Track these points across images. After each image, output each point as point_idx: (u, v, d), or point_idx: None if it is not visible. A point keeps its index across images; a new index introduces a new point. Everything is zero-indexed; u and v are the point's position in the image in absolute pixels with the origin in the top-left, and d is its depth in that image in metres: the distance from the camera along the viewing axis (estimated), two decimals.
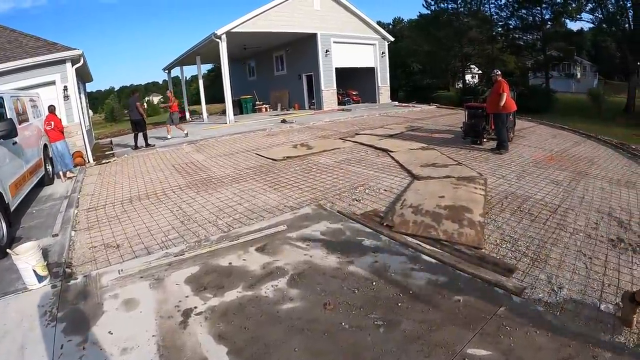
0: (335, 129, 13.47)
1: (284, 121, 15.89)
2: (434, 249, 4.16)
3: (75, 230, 5.46)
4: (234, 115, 18.34)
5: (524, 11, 37.85)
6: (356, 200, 5.99)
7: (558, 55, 40.20)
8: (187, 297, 3.33)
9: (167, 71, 26.62)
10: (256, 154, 9.80)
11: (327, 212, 5.34)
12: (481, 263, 3.86)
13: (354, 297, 3.19)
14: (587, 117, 26.96)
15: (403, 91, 41.69)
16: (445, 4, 42.86)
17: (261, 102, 23.30)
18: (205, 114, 20.81)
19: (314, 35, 19.99)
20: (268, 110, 22.61)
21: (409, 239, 4.44)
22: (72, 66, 10.72)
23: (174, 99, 14.10)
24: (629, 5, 30.73)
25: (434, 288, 3.33)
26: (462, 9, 42.19)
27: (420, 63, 45.16)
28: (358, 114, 17.73)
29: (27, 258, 3.63)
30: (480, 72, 47.40)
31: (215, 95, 40.15)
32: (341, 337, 2.72)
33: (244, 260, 3.93)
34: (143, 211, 6.08)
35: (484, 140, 9.96)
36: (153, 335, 2.83)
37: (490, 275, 3.57)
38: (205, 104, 21.25)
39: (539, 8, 36.40)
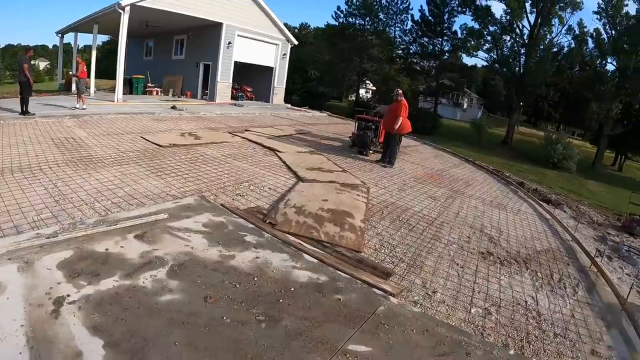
0: (225, 123, 13.16)
1: (174, 107, 15.09)
2: (315, 249, 4.30)
3: None
4: (124, 94, 16.92)
5: (426, 39, 41.03)
6: (240, 195, 5.95)
7: (450, 84, 43.99)
8: (59, 283, 2.99)
9: (60, 35, 23.62)
10: (142, 137, 9.15)
11: (209, 204, 5.20)
12: (360, 265, 4.10)
13: (236, 291, 3.16)
14: (468, 143, 29.95)
15: (298, 95, 42.45)
16: (354, 19, 44.74)
17: (153, 85, 21.75)
18: (92, 89, 18.86)
19: (220, 25, 19.28)
20: (159, 94, 21.17)
21: (291, 238, 4.53)
22: None
23: (84, 65, 12.90)
24: (522, 51, 34.63)
25: (315, 286, 3.44)
26: (368, 27, 44.29)
27: (319, 71, 46.53)
28: (250, 111, 17.56)
29: None
30: (374, 88, 49.99)
31: (107, 70, 36.65)
32: (223, 332, 2.68)
33: (121, 247, 3.64)
34: (15, 185, 5.31)
35: (370, 151, 10.51)
36: (22, 325, 2.50)
37: (369, 277, 3.80)
38: (95, 78, 19.46)
39: (440, 39, 39.53)
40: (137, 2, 15.45)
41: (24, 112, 10.64)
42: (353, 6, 44.34)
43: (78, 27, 21.12)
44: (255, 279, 3.41)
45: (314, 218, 5.25)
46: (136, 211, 4.66)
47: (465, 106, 54.35)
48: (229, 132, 11.16)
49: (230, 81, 20.77)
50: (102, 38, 50.59)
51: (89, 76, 15.67)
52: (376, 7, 43.76)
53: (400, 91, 9.91)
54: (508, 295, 4.08)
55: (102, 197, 5.16)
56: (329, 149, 10.82)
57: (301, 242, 4.43)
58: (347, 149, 11.03)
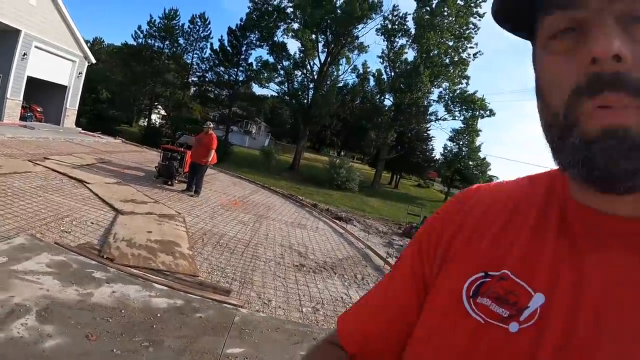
0: (20, 148, 11.68)
1: None
2: (159, 278, 4.81)
3: None
4: None
5: (222, 68, 41.65)
6: (66, 231, 5.89)
7: (241, 113, 45.36)
8: None
9: None
10: None
11: (43, 244, 5.09)
12: (203, 287, 4.78)
13: (111, 325, 3.51)
14: (258, 169, 31.64)
15: (86, 118, 38.51)
16: (153, 41, 42.84)
17: None
18: None
19: (17, 32, 16.24)
20: None
21: (134, 270, 4.92)
22: None
23: None
24: (311, 85, 38.09)
25: (176, 310, 4.01)
26: (167, 50, 43.09)
27: (110, 92, 42.91)
28: (43, 135, 15.68)
29: None
30: (165, 113, 48.48)
31: None
32: None
33: None
34: None
35: (175, 181, 10.92)
36: None
37: (216, 295, 4.53)
38: None
39: (236, 69, 40.71)
40: None
41: None
42: (154, 27, 42.94)
43: None
44: (122, 311, 3.79)
45: (147, 249, 5.68)
46: None
47: (254, 132, 57.49)
48: (29, 160, 10.05)
49: (21, 99, 17.83)
50: None
51: None
52: (178, 31, 43.32)
53: (211, 125, 10.71)
54: (326, 295, 5.38)
55: None
56: (135, 179, 10.85)
57: (145, 273, 4.88)
58: (152, 179, 11.18)
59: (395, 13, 39.27)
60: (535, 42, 0.51)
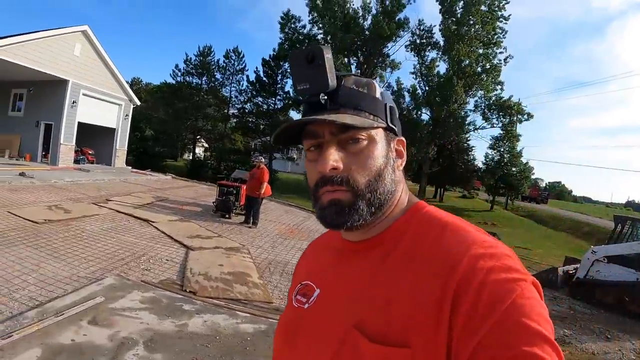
0: (82, 192, 12.55)
1: (23, 174, 13.57)
2: (241, 306, 5.12)
3: None
4: None
5: (260, 99, 42.56)
6: (146, 270, 6.30)
7: None
8: None
9: None
10: (9, 212, 8.45)
11: (131, 282, 5.53)
12: (280, 312, 5.05)
13: (211, 350, 3.82)
14: (304, 195, 31.88)
15: (133, 155, 40.50)
16: (191, 78, 44.59)
17: None
18: None
19: (65, 82, 17.76)
20: None
21: (216, 300, 5.25)
22: None
23: None
24: None
25: (262, 333, 4.31)
26: (205, 86, 44.72)
27: (154, 129, 44.73)
28: (99, 177, 16.67)
29: None
30: (207, 146, 49.90)
31: None
32: None
33: (84, 335, 3.87)
34: None
35: (233, 214, 11.42)
36: None
37: None
38: None
39: (273, 98, 41.68)
40: None
41: None
42: (191, 65, 44.81)
43: None
44: (217, 337, 4.11)
45: (222, 281, 6.02)
46: (69, 298, 4.77)
47: (296, 158, 58.41)
48: (93, 203, 10.81)
49: (74, 143, 19.22)
50: None
51: None
52: (213, 67, 44.92)
53: (262, 159, 11.16)
54: None
55: (15, 285, 5.02)
56: (194, 215, 11.39)
57: (227, 303, 5.20)
58: (210, 213, 11.74)
59: (421, 27, 39.70)
60: (303, 150, 0.85)
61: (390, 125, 0.80)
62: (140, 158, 37.62)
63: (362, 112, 0.76)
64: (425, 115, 41.75)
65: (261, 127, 43.15)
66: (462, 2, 36.79)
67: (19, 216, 8.30)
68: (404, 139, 0.87)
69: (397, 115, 0.85)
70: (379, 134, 0.78)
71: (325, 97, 0.76)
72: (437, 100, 37.31)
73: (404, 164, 0.85)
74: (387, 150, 0.80)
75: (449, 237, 0.70)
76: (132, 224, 9.16)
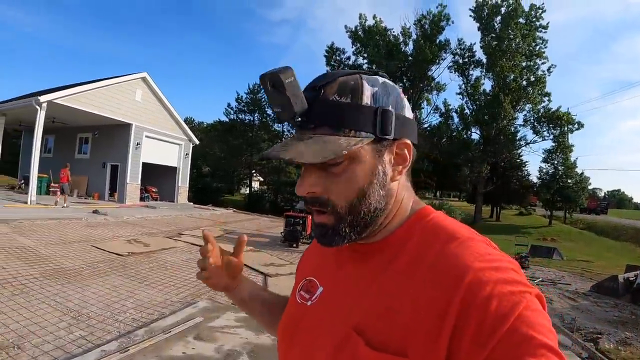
0: (154, 227, 13.30)
1: (96, 212, 14.63)
2: None
3: None
4: (24, 194, 15.82)
5: None
6: None
7: None
8: None
9: None
10: (92, 246, 9.12)
11: (223, 305, 5.82)
12: None
13: None
14: None
15: (192, 191, 42.26)
16: (243, 115, 46.32)
17: (57, 184, 20.02)
18: None
19: (129, 126, 19.16)
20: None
21: None
22: None
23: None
24: None
25: None
26: (257, 122, 46.26)
27: (210, 166, 46.29)
28: (165, 213, 17.60)
29: None
30: (262, 179, 51.07)
31: None
32: None
33: (193, 348, 4.16)
34: (13, 304, 5.11)
35: (300, 243, 11.77)
36: None
37: None
38: None
39: None
40: (56, 98, 15.06)
41: None
42: (243, 103, 46.59)
43: None
44: None
45: None
46: (170, 319, 5.09)
47: None
48: (168, 237, 11.46)
49: (139, 182, 20.44)
50: None
51: None
52: (264, 103, 45.95)
53: None
54: None
55: (116, 310, 5.39)
56: (263, 245, 11.85)
57: None
58: (277, 243, 12.22)
59: (462, 47, 39.58)
60: None
61: (380, 136, 0.72)
62: (199, 194, 39.22)
63: (341, 131, 0.70)
64: (475, 135, 41.16)
65: None
66: (499, 17, 36.56)
67: (103, 249, 8.93)
68: (408, 140, 0.76)
69: (403, 114, 0.76)
70: (364, 149, 0.72)
71: (299, 119, 0.73)
72: (486, 118, 36.75)
73: (407, 167, 0.78)
74: (375, 165, 0.73)
75: (454, 248, 0.68)
76: None
